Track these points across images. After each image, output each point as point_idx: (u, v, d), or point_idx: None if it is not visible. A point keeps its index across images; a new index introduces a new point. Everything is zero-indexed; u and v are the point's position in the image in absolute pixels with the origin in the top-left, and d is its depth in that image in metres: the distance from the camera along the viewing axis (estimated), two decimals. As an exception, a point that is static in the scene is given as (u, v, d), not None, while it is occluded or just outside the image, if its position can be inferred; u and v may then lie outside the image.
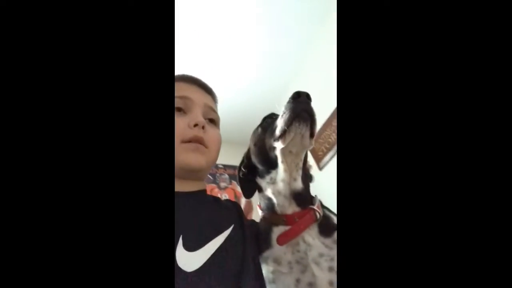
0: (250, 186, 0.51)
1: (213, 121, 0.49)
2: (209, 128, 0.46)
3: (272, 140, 0.43)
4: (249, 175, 0.50)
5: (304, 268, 0.41)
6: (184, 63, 1.55)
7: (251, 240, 0.44)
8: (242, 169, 0.51)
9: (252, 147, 0.49)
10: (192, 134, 0.42)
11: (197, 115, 0.44)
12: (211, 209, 0.45)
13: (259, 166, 0.47)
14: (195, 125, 0.43)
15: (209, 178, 2.09)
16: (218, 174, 2.14)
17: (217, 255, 0.37)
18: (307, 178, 0.48)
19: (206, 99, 0.48)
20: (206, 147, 0.44)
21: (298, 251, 0.42)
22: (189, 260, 0.34)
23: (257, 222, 0.50)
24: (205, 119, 0.46)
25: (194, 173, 0.45)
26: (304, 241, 0.42)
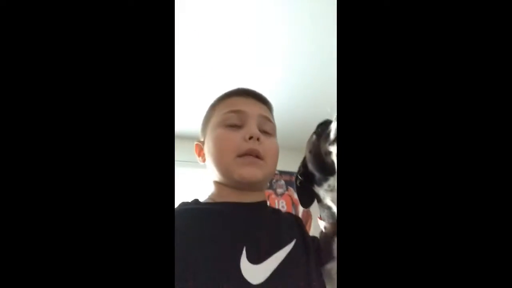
0: (307, 195, 0.49)
1: (270, 129, 0.48)
2: (265, 139, 0.45)
3: (327, 145, 0.41)
4: (306, 183, 0.49)
5: None
6: (237, 74, 1.62)
7: (314, 255, 0.43)
8: (299, 177, 0.50)
9: (308, 155, 0.48)
10: (247, 147, 0.42)
11: (252, 128, 0.44)
12: (272, 221, 0.44)
13: (316, 174, 0.46)
14: (250, 137, 0.42)
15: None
16: (274, 180, 2.15)
17: (282, 267, 0.36)
18: None
19: (261, 109, 0.48)
20: (262, 159, 0.43)
21: None
22: (254, 272, 0.34)
23: (318, 238, 0.48)
24: (261, 129, 0.45)
25: (252, 186, 0.44)
26: None
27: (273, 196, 2.09)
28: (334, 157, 0.41)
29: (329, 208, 0.45)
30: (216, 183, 0.46)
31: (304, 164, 0.50)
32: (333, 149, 0.40)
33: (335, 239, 0.44)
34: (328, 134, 0.42)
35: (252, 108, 0.46)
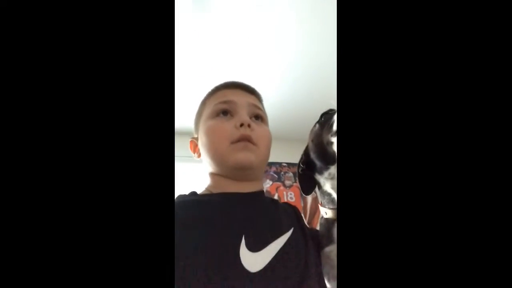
0: (308, 182, 0.51)
1: (260, 118, 0.49)
2: (256, 126, 0.46)
3: (329, 136, 0.43)
4: (308, 171, 0.51)
5: None
6: (238, 68, 1.63)
7: (313, 243, 0.44)
8: (301, 165, 0.52)
9: (310, 144, 0.50)
10: (239, 133, 0.43)
11: (242, 115, 0.45)
12: (270, 210, 0.45)
13: (317, 162, 0.48)
14: (241, 124, 0.44)
15: (274, 176, 2.14)
16: (282, 173, 2.17)
17: (280, 256, 0.37)
18: None
19: (249, 98, 0.49)
20: (254, 144, 0.44)
21: None
22: (253, 260, 0.35)
23: (315, 229, 0.50)
24: (252, 117, 0.47)
25: (247, 172, 0.45)
26: None
27: (282, 188, 2.12)
28: (335, 148, 0.43)
29: (329, 194, 0.47)
30: (212, 174, 0.47)
31: (306, 153, 0.52)
32: (335, 140, 0.42)
33: (335, 224, 0.46)
34: (331, 125, 0.43)
35: (241, 98, 0.48)
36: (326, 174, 0.47)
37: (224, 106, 0.46)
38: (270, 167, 2.11)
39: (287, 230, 0.41)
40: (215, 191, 0.45)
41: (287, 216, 0.46)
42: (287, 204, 0.53)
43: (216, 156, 0.44)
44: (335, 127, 0.42)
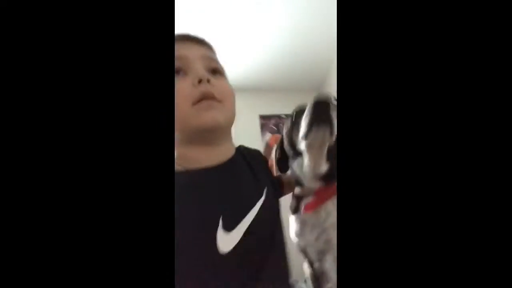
0: (284, 165, 0.60)
1: (218, 71, 0.45)
2: (216, 80, 0.42)
3: (297, 138, 0.49)
4: (283, 156, 0.60)
5: (323, 230, 0.52)
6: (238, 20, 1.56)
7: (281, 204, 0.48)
8: (278, 150, 0.61)
9: (284, 136, 0.58)
10: (200, 91, 0.39)
11: (198, 70, 0.40)
12: (244, 178, 0.44)
13: (289, 152, 0.56)
14: (200, 81, 0.39)
15: (273, 128, 2.21)
16: (281, 124, 2.24)
17: (250, 230, 0.36)
18: (333, 156, 0.52)
19: (202, 51, 0.44)
20: (219, 101, 0.40)
21: (320, 217, 0.53)
22: (226, 240, 0.34)
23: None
24: (208, 71, 0.43)
25: (214, 134, 0.41)
26: (325, 210, 0.52)
27: (280, 139, 2.21)
28: (302, 147, 0.49)
29: (298, 177, 0.57)
30: (178, 142, 0.41)
31: (281, 142, 0.59)
32: (302, 142, 0.47)
33: (303, 200, 0.56)
34: (299, 128, 0.47)
35: (193, 52, 0.42)
36: (295, 163, 0.55)
37: (176, 63, 0.40)
38: (270, 119, 2.16)
39: (261, 197, 0.41)
40: (186, 164, 0.40)
41: (261, 176, 0.45)
42: (258, 154, 0.52)
43: (177, 121, 0.38)
44: (301, 134, 0.46)
